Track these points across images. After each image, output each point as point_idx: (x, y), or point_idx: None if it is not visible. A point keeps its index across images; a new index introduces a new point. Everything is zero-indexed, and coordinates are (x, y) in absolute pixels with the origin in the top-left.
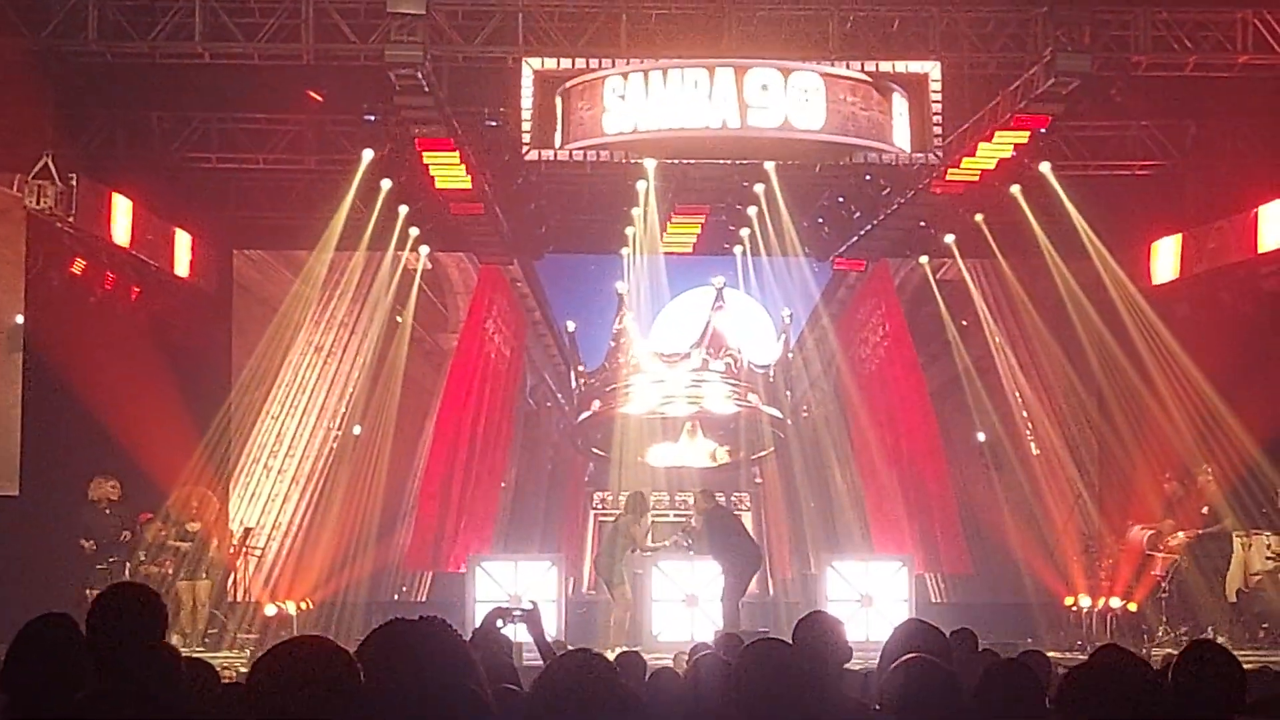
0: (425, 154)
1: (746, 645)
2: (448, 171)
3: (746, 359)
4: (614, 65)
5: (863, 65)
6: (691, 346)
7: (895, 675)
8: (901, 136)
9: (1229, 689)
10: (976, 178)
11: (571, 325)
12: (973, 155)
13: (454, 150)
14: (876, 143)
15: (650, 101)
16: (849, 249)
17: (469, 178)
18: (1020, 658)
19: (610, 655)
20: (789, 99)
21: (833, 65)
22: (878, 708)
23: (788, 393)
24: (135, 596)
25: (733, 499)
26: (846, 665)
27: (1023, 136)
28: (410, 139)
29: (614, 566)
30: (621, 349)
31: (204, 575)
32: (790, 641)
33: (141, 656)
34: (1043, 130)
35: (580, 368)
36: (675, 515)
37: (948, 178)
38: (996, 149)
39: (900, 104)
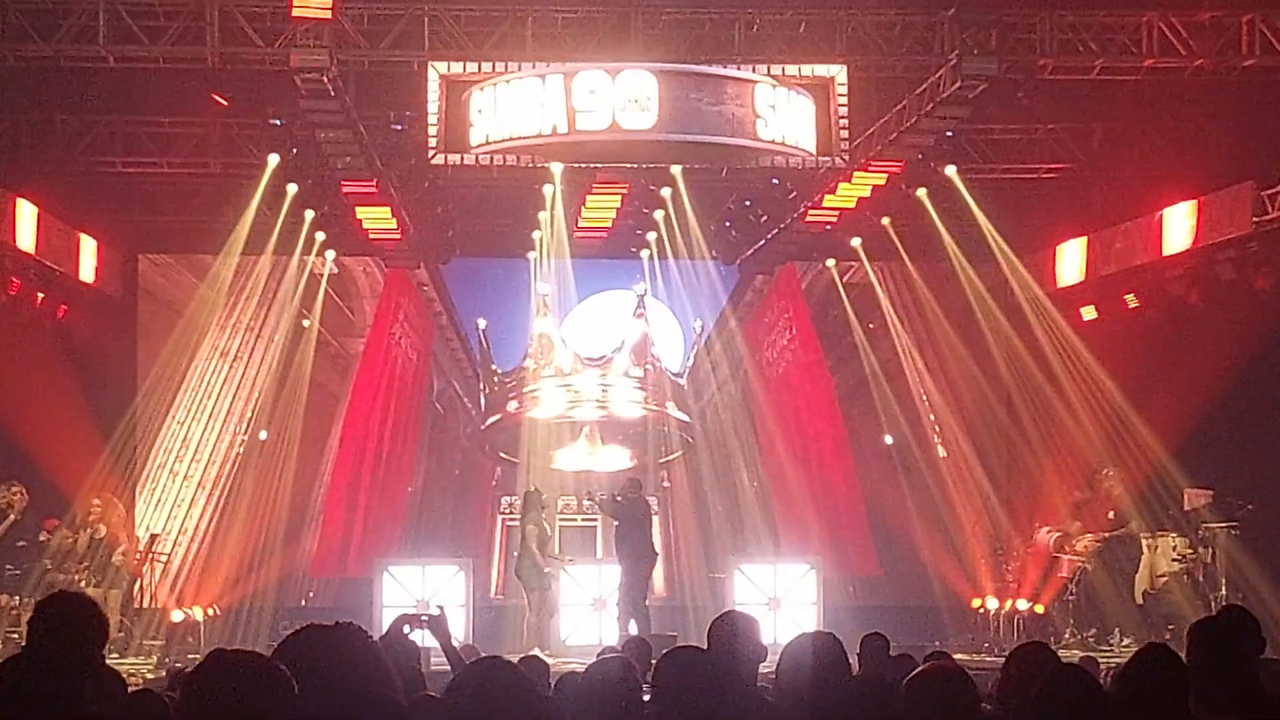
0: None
1: (664, 653)
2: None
3: (663, 365)
4: (519, 69)
5: (769, 69)
6: (613, 351)
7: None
8: (773, 129)
9: (1177, 695)
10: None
11: (483, 322)
12: (880, 158)
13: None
14: (735, 139)
15: (497, 112)
16: (756, 253)
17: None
18: (935, 661)
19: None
20: (616, 100)
21: (718, 66)
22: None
23: (695, 399)
24: (78, 608)
25: None
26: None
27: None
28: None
29: (536, 570)
30: (542, 351)
31: (110, 583)
32: (703, 646)
33: (83, 669)
34: (948, 134)
35: (494, 367)
36: (584, 520)
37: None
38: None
39: (773, 95)
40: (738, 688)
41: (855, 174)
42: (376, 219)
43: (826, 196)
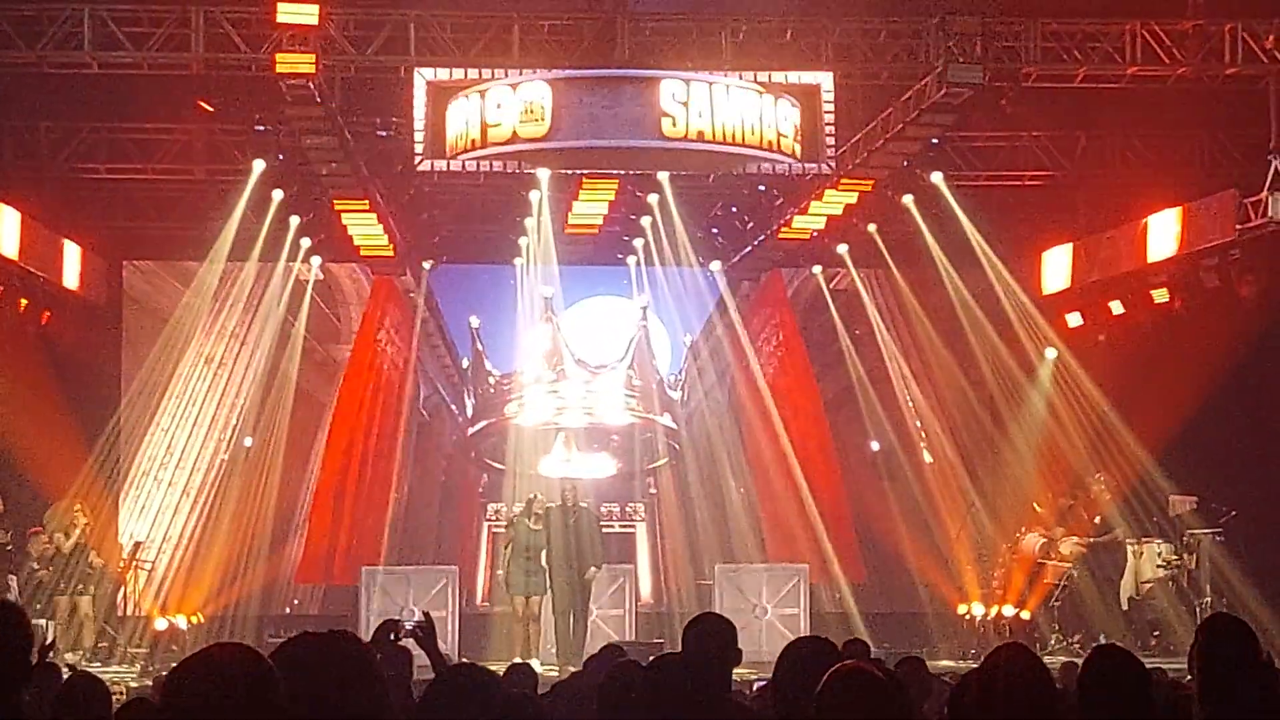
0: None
1: (650, 661)
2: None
3: (658, 376)
4: (504, 74)
5: (755, 76)
6: (617, 361)
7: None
8: (683, 126)
9: (1135, 695)
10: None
11: (475, 320)
12: (866, 164)
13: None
14: (632, 141)
15: (447, 128)
16: (742, 259)
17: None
18: (898, 666)
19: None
20: (515, 112)
21: (704, 73)
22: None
23: (684, 406)
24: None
25: (628, 509)
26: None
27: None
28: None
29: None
30: (547, 357)
31: (82, 589)
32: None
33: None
34: (933, 141)
35: (489, 367)
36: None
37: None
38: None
39: (687, 91)
40: (708, 691)
41: (842, 181)
42: (365, 230)
43: (813, 203)
